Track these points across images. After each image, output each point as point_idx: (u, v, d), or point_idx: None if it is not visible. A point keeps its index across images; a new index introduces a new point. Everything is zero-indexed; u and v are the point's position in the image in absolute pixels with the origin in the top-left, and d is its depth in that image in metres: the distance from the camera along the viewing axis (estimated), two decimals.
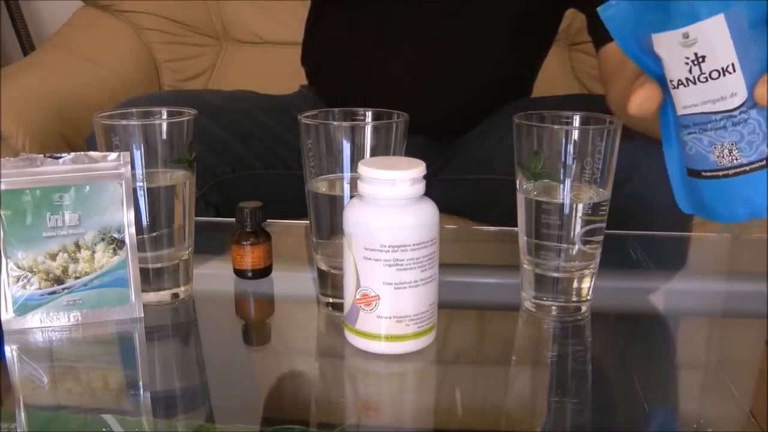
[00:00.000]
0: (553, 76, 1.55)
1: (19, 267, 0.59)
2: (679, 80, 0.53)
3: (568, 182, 0.59)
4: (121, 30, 1.70)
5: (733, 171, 0.54)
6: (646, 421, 0.51)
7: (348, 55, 1.11)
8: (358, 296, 0.55)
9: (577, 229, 0.60)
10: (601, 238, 0.61)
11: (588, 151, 0.59)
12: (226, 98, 1.09)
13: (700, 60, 0.52)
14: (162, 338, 0.62)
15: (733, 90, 0.52)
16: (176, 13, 1.74)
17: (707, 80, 0.52)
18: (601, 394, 0.54)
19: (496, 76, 1.09)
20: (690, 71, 0.53)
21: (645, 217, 0.84)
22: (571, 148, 0.58)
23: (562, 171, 0.59)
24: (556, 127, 0.60)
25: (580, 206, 0.59)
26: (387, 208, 0.54)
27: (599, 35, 0.93)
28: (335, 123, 0.62)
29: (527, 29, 1.07)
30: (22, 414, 0.51)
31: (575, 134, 0.59)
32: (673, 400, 0.55)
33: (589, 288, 0.63)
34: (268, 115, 1.07)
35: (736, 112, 0.53)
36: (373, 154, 0.60)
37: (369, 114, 0.64)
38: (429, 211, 0.55)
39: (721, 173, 0.55)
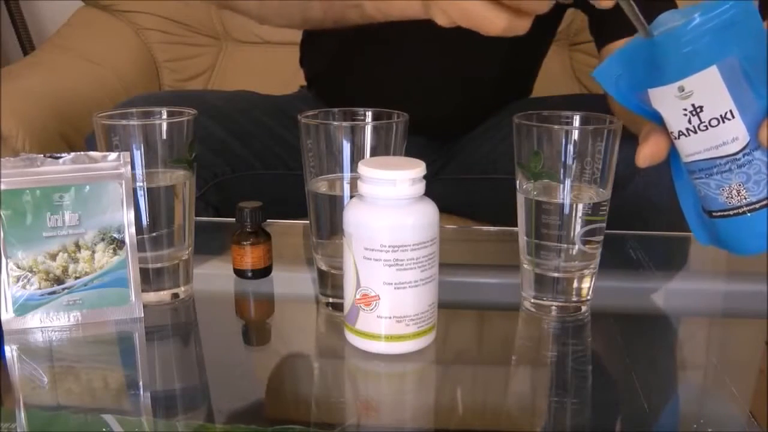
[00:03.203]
0: (553, 76, 1.55)
1: (19, 267, 0.59)
2: (680, 131, 0.54)
3: (568, 182, 0.59)
4: (121, 30, 1.70)
5: (743, 209, 0.55)
6: (646, 421, 0.51)
7: (347, 57, 1.11)
8: (358, 296, 0.55)
9: (577, 229, 0.60)
10: (601, 238, 0.61)
11: (588, 151, 0.59)
12: (226, 98, 1.09)
13: (698, 110, 0.53)
14: (162, 338, 0.62)
15: (734, 135, 0.53)
16: (176, 13, 1.74)
17: (707, 128, 0.53)
18: (601, 394, 0.54)
19: (496, 76, 1.09)
20: (689, 122, 0.53)
21: (648, 217, 0.84)
22: (571, 148, 0.58)
23: (562, 171, 0.59)
24: (556, 127, 0.60)
25: (580, 206, 0.59)
26: (387, 208, 0.54)
27: (601, 35, 0.93)
28: (335, 123, 0.62)
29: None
30: (22, 414, 0.51)
31: (575, 134, 0.59)
32: (673, 400, 0.55)
33: (589, 288, 0.63)
34: (268, 115, 1.07)
35: (739, 155, 0.53)
36: (373, 154, 0.60)
37: (369, 114, 0.64)
38: (429, 211, 0.55)
39: (732, 212, 0.55)
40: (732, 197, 0.55)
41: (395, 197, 0.53)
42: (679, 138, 0.54)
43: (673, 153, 0.58)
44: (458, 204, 1.05)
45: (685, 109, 0.53)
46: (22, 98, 1.32)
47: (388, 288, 0.54)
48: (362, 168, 0.54)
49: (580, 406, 0.52)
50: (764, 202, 0.54)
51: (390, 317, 0.55)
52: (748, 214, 0.55)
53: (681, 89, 0.52)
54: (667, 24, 0.52)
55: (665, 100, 0.54)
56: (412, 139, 0.63)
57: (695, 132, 0.54)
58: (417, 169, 0.54)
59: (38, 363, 0.57)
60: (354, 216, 0.55)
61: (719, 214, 0.56)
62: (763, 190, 0.54)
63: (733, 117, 0.52)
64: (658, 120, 0.56)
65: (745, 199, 0.54)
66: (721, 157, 0.54)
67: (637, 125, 0.66)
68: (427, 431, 0.51)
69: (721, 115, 0.52)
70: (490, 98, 1.11)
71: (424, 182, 0.54)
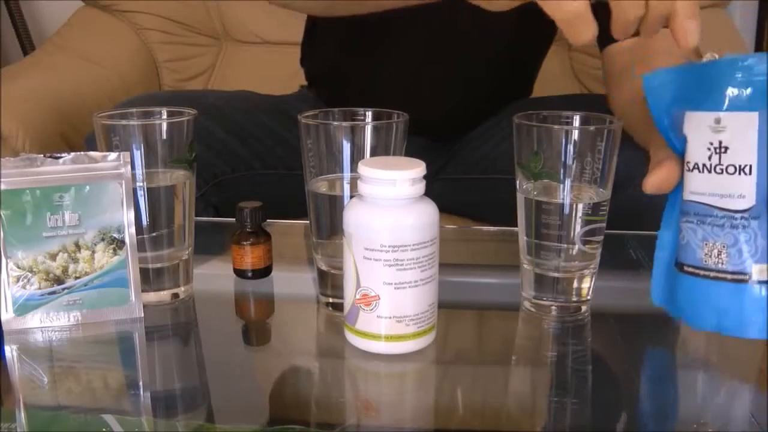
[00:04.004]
0: (553, 76, 1.55)
1: (19, 267, 0.59)
2: (696, 164, 0.54)
3: (568, 182, 0.59)
4: (121, 30, 1.70)
5: (713, 274, 0.55)
6: (646, 421, 0.51)
7: (347, 58, 1.11)
8: (358, 296, 0.55)
9: (577, 229, 0.60)
10: (601, 238, 0.61)
11: (588, 151, 0.59)
12: (225, 98, 1.09)
13: (723, 150, 0.53)
14: (162, 338, 0.62)
15: (743, 192, 0.53)
16: (176, 13, 1.74)
17: (722, 172, 0.53)
18: (601, 394, 0.54)
19: (496, 76, 1.09)
20: (709, 158, 0.53)
21: (648, 217, 0.84)
22: (571, 148, 0.58)
23: (562, 171, 0.59)
24: (556, 127, 0.60)
25: (580, 206, 0.59)
26: (387, 208, 0.54)
27: (604, 35, 0.93)
28: (335, 123, 0.62)
29: (526, 30, 1.07)
30: (22, 414, 0.51)
31: (575, 134, 0.59)
32: (673, 400, 0.55)
33: (589, 288, 0.63)
34: (267, 114, 1.07)
35: (738, 216, 0.53)
36: (373, 154, 0.60)
37: (369, 114, 0.64)
38: (429, 211, 0.55)
39: (701, 272, 0.55)
40: (710, 256, 0.54)
41: (395, 197, 0.53)
42: (692, 171, 0.54)
43: (675, 192, 0.58)
44: (458, 204, 1.05)
45: (711, 143, 0.53)
46: (22, 98, 1.32)
47: (388, 288, 0.54)
48: (362, 168, 0.54)
49: (580, 406, 0.52)
50: (737, 276, 0.54)
51: (390, 317, 0.55)
52: (716, 282, 0.55)
53: (717, 121, 0.53)
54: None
55: (698, 126, 0.54)
56: (412, 139, 0.63)
57: (710, 171, 0.53)
58: (417, 169, 0.54)
59: (38, 363, 0.57)
60: (354, 216, 0.55)
61: (690, 269, 0.56)
62: (742, 263, 0.54)
63: (750, 174, 0.52)
64: (677, 148, 0.56)
65: (722, 264, 0.54)
66: (721, 209, 0.53)
67: (632, 129, 0.66)
68: (427, 431, 0.51)
69: (740, 165, 0.52)
70: (489, 98, 1.11)
71: (424, 182, 0.54)
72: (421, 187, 0.54)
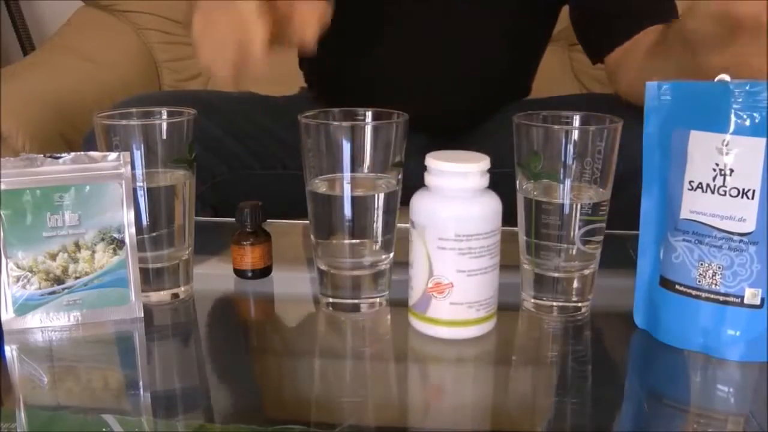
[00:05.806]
0: (553, 76, 1.55)
1: (19, 267, 0.59)
2: (699, 183, 0.54)
3: (568, 182, 0.59)
4: (121, 30, 1.70)
5: (705, 295, 0.55)
6: (646, 421, 0.51)
7: (346, 58, 1.10)
8: (430, 285, 0.57)
9: (577, 229, 0.60)
10: (601, 238, 0.61)
11: (588, 151, 0.59)
12: (223, 98, 1.09)
13: (728, 172, 0.53)
14: (162, 338, 0.62)
15: (743, 215, 0.53)
16: (176, 13, 1.73)
17: (725, 194, 0.54)
18: (601, 394, 0.54)
19: (494, 74, 1.09)
20: (714, 179, 0.54)
21: None
22: (571, 148, 0.58)
23: (562, 171, 0.59)
24: (556, 127, 0.60)
25: (580, 206, 0.59)
26: (459, 199, 0.56)
27: (596, 46, 0.94)
28: (335, 123, 0.62)
29: (523, 27, 1.07)
30: (22, 414, 0.51)
31: (575, 134, 0.59)
32: (672, 400, 0.55)
33: (589, 288, 0.63)
34: (265, 114, 1.07)
35: (737, 239, 0.54)
36: (373, 154, 0.60)
37: (369, 114, 0.64)
38: (495, 201, 0.58)
39: (693, 292, 0.56)
40: (705, 276, 0.55)
41: (466, 189, 0.56)
42: (695, 190, 0.55)
43: (647, 216, 0.59)
44: None
45: (717, 164, 0.53)
46: (22, 98, 1.32)
47: (461, 275, 0.56)
48: (432, 162, 0.56)
49: (580, 406, 0.52)
50: (729, 299, 0.54)
51: (462, 303, 0.57)
52: (708, 303, 0.55)
53: (726, 143, 0.53)
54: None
55: (704, 146, 0.54)
56: (412, 138, 0.63)
57: (713, 192, 0.54)
58: (485, 161, 0.57)
59: (38, 363, 0.57)
60: (427, 207, 0.57)
61: (681, 288, 0.56)
62: (736, 287, 0.54)
63: (752, 198, 0.53)
64: (655, 163, 0.57)
65: (716, 285, 0.55)
66: (720, 230, 0.54)
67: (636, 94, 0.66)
68: (427, 431, 0.51)
69: (744, 189, 0.53)
70: (488, 96, 1.11)
71: (488, 175, 0.57)
72: (487, 179, 0.57)
